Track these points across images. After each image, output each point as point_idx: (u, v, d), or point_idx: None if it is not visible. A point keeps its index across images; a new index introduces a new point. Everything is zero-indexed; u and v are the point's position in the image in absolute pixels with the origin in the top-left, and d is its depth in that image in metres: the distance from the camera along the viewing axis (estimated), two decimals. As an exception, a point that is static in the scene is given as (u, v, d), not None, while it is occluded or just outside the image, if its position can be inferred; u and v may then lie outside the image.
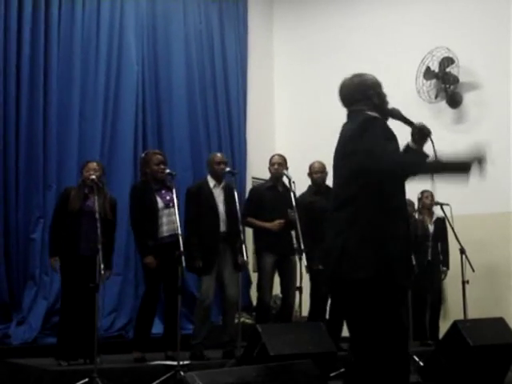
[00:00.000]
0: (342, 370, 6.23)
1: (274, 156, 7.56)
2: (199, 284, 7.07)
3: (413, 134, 3.79)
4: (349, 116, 3.86)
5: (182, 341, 6.14)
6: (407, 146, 3.79)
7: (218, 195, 7.01)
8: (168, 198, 6.72)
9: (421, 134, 3.78)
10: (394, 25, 9.83)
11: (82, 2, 8.42)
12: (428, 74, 9.30)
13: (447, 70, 9.19)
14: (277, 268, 7.33)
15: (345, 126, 3.83)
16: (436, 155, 3.65)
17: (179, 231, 6.26)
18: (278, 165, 7.37)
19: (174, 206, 6.49)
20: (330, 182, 7.60)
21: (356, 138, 3.64)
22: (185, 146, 9.25)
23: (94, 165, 6.65)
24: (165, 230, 6.70)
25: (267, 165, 7.58)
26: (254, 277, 7.88)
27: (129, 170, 8.48)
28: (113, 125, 8.57)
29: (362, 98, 3.82)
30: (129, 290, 8.30)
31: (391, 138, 3.66)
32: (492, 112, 8.92)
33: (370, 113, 3.77)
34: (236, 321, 7.00)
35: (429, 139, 3.78)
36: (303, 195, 7.58)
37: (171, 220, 6.62)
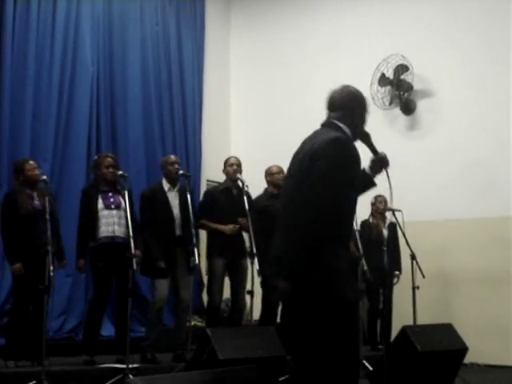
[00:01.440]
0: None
1: (230, 158, 7.57)
2: (152, 286, 7.05)
3: (373, 162, 3.82)
4: (324, 123, 3.83)
5: (132, 344, 6.10)
6: (363, 171, 3.82)
7: (173, 198, 7.00)
8: (112, 200, 6.75)
9: (380, 163, 3.82)
10: (350, 31, 9.91)
11: (37, 2, 8.31)
12: (383, 80, 9.37)
13: (402, 77, 9.27)
14: (227, 271, 7.33)
15: (318, 132, 3.80)
16: (390, 186, 3.69)
17: (131, 233, 6.22)
18: (237, 166, 7.37)
19: (118, 208, 6.64)
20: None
21: (316, 156, 3.61)
22: (139, 148, 9.20)
23: (33, 163, 6.67)
24: (102, 232, 6.69)
25: (222, 167, 7.57)
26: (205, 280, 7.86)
27: (81, 171, 8.39)
28: (66, 125, 8.46)
29: (346, 109, 3.80)
30: (79, 291, 8.21)
31: (351, 162, 3.65)
32: (445, 119, 9.03)
33: (343, 127, 3.76)
34: (188, 324, 7.00)
35: (384, 171, 3.81)
36: (259, 198, 7.59)
37: (110, 222, 6.67)
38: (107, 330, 7.61)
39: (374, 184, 3.84)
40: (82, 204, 6.85)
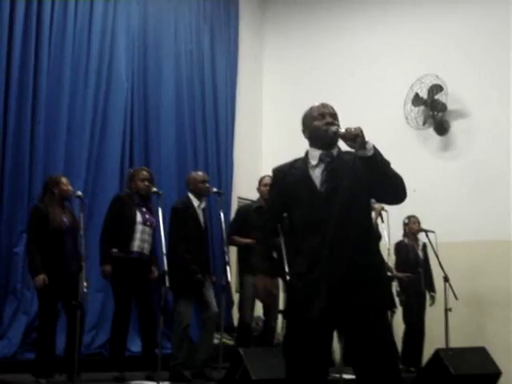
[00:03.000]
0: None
1: (265, 177, 7.48)
2: (176, 303, 6.88)
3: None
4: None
5: (162, 360, 6.08)
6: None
7: (200, 214, 6.98)
8: (147, 216, 6.72)
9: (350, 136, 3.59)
10: (384, 50, 9.89)
11: (73, 19, 8.35)
12: (416, 100, 9.34)
13: (436, 97, 9.23)
14: None
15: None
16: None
17: (164, 250, 6.22)
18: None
19: (151, 225, 6.63)
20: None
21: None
22: (171, 165, 9.20)
23: (67, 180, 6.66)
24: (135, 245, 6.66)
25: (253, 185, 7.56)
26: (236, 297, 7.84)
27: (114, 186, 8.39)
28: (100, 141, 8.50)
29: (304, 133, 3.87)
30: (110, 306, 8.18)
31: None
32: (478, 140, 8.97)
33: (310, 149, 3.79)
34: (217, 341, 6.96)
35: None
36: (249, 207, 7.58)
37: (144, 238, 6.65)
38: (135, 345, 7.59)
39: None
40: (115, 209, 6.75)
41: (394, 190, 3.59)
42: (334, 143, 3.73)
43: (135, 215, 6.67)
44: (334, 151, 3.73)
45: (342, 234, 3.57)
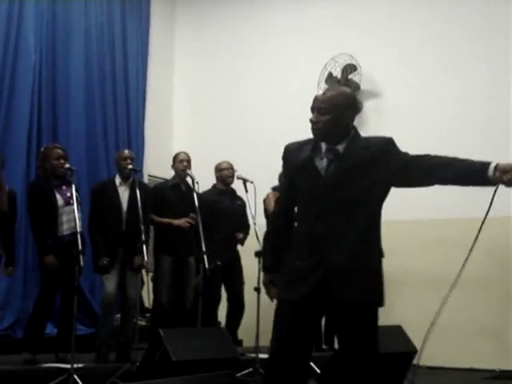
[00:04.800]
0: (238, 374, 6.18)
1: (179, 153, 7.42)
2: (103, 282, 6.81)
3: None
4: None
5: (76, 342, 5.90)
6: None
7: (123, 193, 6.81)
8: (68, 194, 6.47)
9: None
10: (298, 28, 9.84)
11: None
12: (330, 79, 9.33)
13: (349, 76, 9.25)
14: (175, 269, 7.18)
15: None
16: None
17: (78, 229, 6.03)
18: (187, 162, 7.27)
19: (73, 202, 6.27)
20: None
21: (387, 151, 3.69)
22: (81, 142, 8.93)
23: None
24: (65, 229, 6.47)
25: (165, 163, 7.47)
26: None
27: (21, 164, 8.09)
28: (6, 117, 8.16)
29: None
30: (17, 289, 7.93)
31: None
32: (391, 120, 9.04)
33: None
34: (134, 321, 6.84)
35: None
36: (206, 194, 7.51)
37: (71, 218, 6.37)
38: (48, 328, 7.37)
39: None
40: (34, 199, 6.54)
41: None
42: (321, 141, 3.60)
43: (55, 199, 6.46)
44: (341, 147, 3.58)
45: (344, 228, 3.50)
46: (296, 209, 3.74)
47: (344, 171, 3.52)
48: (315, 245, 3.52)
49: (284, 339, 3.54)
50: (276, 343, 3.60)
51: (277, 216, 3.84)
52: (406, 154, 3.66)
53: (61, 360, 6.29)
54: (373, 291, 3.57)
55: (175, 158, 7.39)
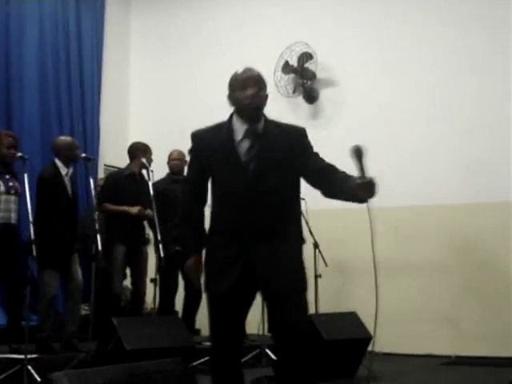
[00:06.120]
0: (196, 362, 6.18)
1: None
2: (41, 275, 6.66)
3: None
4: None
5: (28, 333, 5.82)
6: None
7: (67, 183, 6.73)
8: (11, 184, 6.43)
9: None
10: (254, 17, 9.83)
11: None
12: (286, 68, 9.32)
13: (305, 65, 9.25)
14: (127, 259, 7.16)
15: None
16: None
17: (30, 218, 5.93)
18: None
19: (16, 193, 6.36)
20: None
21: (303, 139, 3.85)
22: (35, 130, 8.82)
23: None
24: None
25: (120, 152, 7.52)
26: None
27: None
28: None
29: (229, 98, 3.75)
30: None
31: None
32: (347, 108, 9.06)
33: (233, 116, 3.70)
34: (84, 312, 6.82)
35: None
36: (159, 182, 7.50)
37: (9, 208, 6.37)
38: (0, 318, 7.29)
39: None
40: None
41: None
42: (259, 118, 3.61)
43: None
44: (260, 125, 3.60)
45: (263, 210, 3.50)
46: (210, 193, 3.71)
47: (266, 159, 3.54)
48: (235, 233, 3.51)
49: (219, 330, 3.61)
50: (213, 335, 3.65)
51: (191, 201, 3.76)
52: (318, 155, 3.74)
53: (14, 351, 6.20)
54: (296, 278, 3.58)
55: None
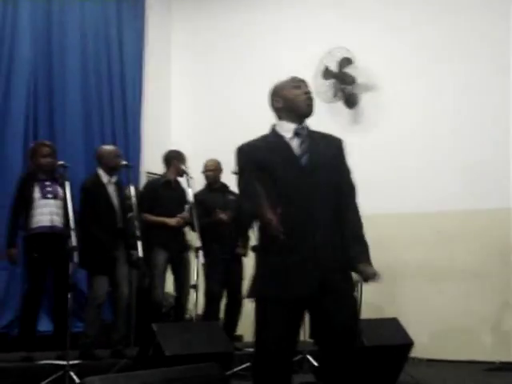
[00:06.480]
0: (236, 369, 6.19)
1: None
2: (90, 281, 6.81)
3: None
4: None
5: (71, 339, 5.90)
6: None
7: (112, 191, 6.81)
8: (50, 189, 6.55)
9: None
10: (294, 21, 9.83)
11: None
12: (326, 73, 9.30)
13: (345, 70, 9.22)
14: (170, 265, 7.20)
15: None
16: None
17: (71, 225, 6.01)
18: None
19: (56, 197, 6.48)
20: (225, 179, 7.69)
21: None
22: (77, 139, 8.96)
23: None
24: (37, 221, 6.49)
25: (161, 160, 7.53)
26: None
27: (18, 161, 8.12)
28: (2, 114, 8.22)
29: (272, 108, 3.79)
30: (15, 285, 7.95)
31: None
32: (388, 113, 9.01)
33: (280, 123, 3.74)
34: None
35: None
36: (198, 193, 7.57)
37: (47, 211, 6.47)
38: (45, 325, 7.37)
39: None
40: (16, 192, 6.60)
41: None
42: (309, 115, 3.64)
43: (32, 191, 6.50)
44: (306, 125, 3.64)
45: (325, 212, 3.50)
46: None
47: (317, 153, 3.55)
48: (299, 238, 3.44)
49: (275, 339, 3.46)
50: (264, 343, 3.51)
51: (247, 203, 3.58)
52: (349, 173, 3.74)
53: (58, 357, 6.26)
54: (351, 282, 3.57)
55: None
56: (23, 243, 6.58)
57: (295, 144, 3.58)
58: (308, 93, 3.65)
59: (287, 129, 3.62)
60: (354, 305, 3.59)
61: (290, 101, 3.64)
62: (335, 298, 3.44)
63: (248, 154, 3.62)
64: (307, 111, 3.63)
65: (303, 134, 3.60)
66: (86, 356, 6.49)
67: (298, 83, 3.67)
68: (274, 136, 3.65)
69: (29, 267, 6.57)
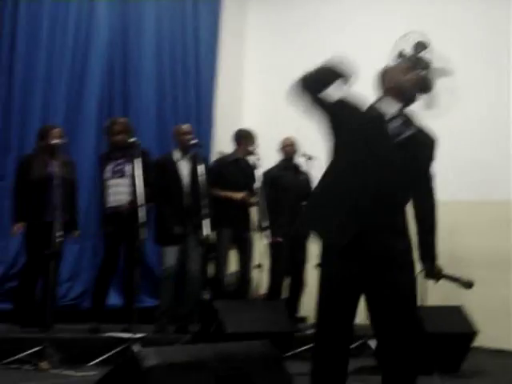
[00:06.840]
0: (298, 350, 6.21)
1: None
2: (161, 255, 6.96)
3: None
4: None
5: (139, 314, 6.04)
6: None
7: (184, 168, 6.89)
8: (120, 167, 6.66)
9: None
10: (369, 6, 9.73)
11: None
12: (401, 58, 9.18)
13: (420, 54, 9.08)
14: (235, 244, 7.26)
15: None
16: None
17: (140, 202, 6.13)
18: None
19: (123, 176, 6.61)
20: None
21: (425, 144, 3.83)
22: (151, 118, 9.07)
23: (58, 131, 6.65)
24: (109, 201, 6.67)
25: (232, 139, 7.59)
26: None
27: (91, 138, 8.30)
28: (78, 92, 8.40)
29: None
30: (86, 259, 8.15)
31: None
32: (463, 98, 8.86)
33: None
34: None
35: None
36: (271, 170, 7.60)
37: (118, 191, 6.64)
38: (114, 299, 7.52)
39: None
40: (99, 171, 6.87)
41: None
42: (413, 103, 3.74)
43: (103, 172, 6.71)
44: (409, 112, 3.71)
45: (391, 201, 3.50)
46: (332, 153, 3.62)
47: (410, 139, 3.57)
48: (355, 216, 3.41)
49: (334, 313, 3.45)
50: (326, 317, 3.49)
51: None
52: (431, 180, 3.71)
53: (125, 330, 6.37)
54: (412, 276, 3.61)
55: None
56: (100, 219, 6.88)
57: (395, 123, 3.59)
58: (420, 79, 3.84)
59: (392, 106, 3.65)
60: (411, 292, 3.57)
61: (398, 83, 3.79)
62: (393, 282, 3.46)
63: (344, 103, 3.64)
64: (412, 98, 3.76)
65: (404, 118, 3.64)
66: (159, 329, 6.65)
67: (409, 69, 3.96)
68: (372, 110, 3.65)
69: (106, 242, 6.82)
